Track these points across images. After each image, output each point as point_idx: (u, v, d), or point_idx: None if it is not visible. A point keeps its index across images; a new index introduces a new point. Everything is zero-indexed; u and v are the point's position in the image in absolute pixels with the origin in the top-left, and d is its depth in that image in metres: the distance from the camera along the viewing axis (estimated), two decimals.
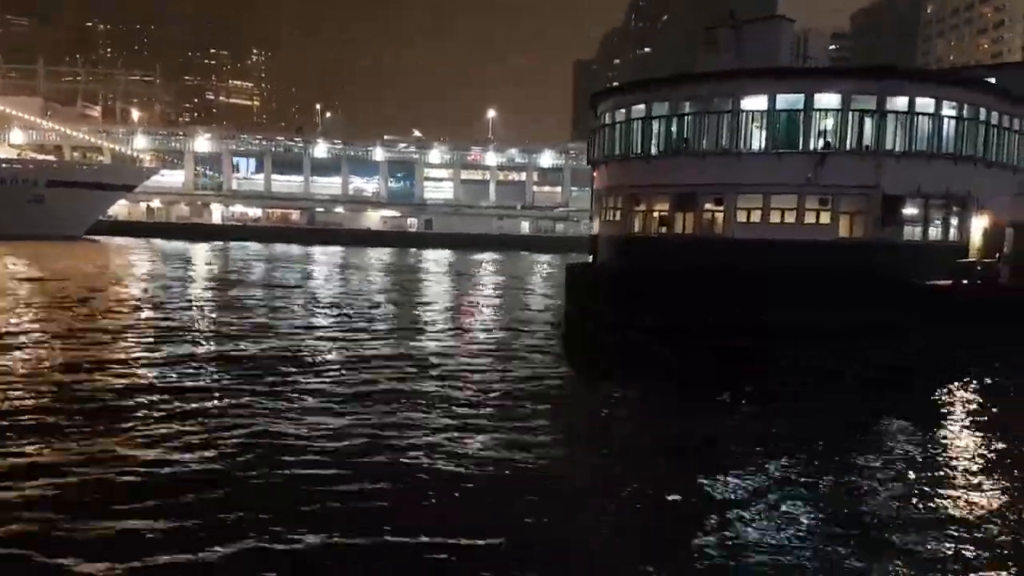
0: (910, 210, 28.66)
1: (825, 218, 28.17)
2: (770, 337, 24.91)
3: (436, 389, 20.85)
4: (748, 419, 19.39)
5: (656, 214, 30.38)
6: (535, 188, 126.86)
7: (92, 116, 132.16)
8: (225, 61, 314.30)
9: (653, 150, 30.24)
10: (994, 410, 21.05)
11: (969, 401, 22.30)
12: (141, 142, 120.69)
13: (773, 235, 28.15)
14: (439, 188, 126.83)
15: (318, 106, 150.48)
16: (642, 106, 30.72)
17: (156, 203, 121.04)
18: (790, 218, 28.25)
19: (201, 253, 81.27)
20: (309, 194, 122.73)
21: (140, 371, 21.87)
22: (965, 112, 29.09)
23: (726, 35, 34.25)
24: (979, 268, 28.97)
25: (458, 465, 14.71)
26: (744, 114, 28.27)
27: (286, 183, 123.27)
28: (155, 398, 18.95)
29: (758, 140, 28.25)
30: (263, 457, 14.86)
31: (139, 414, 17.48)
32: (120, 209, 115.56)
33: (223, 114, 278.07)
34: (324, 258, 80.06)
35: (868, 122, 27.90)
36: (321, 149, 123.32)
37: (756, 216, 28.53)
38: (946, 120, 28.57)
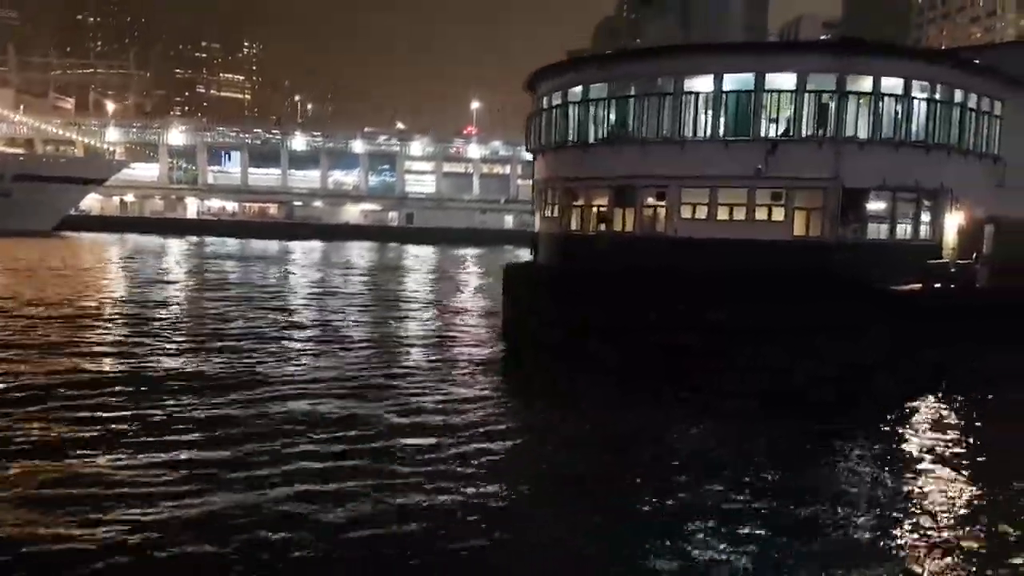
0: (875, 205, 25.52)
1: (778, 214, 25.04)
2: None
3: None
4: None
5: (595, 210, 27.26)
6: (519, 181, 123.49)
7: (65, 108, 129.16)
8: (216, 54, 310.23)
9: (590, 138, 27.10)
10: (944, 433, 18.08)
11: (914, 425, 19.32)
12: (114, 135, 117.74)
13: (720, 233, 25.05)
14: (421, 181, 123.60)
15: (297, 97, 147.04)
16: (579, 88, 27.57)
17: (130, 197, 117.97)
18: (740, 214, 25.14)
19: (175, 250, 78.15)
20: (287, 188, 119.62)
21: None
22: (939, 94, 25.89)
23: None
24: (953, 270, 25.84)
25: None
26: (687, 96, 25.11)
27: (264, 176, 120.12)
28: None
29: (703, 126, 25.10)
30: None
31: None
32: (93, 203, 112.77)
33: (214, 107, 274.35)
34: (302, 256, 77.01)
35: (827, 105, 24.77)
36: (299, 141, 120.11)
37: (702, 212, 25.41)
38: (916, 103, 25.38)
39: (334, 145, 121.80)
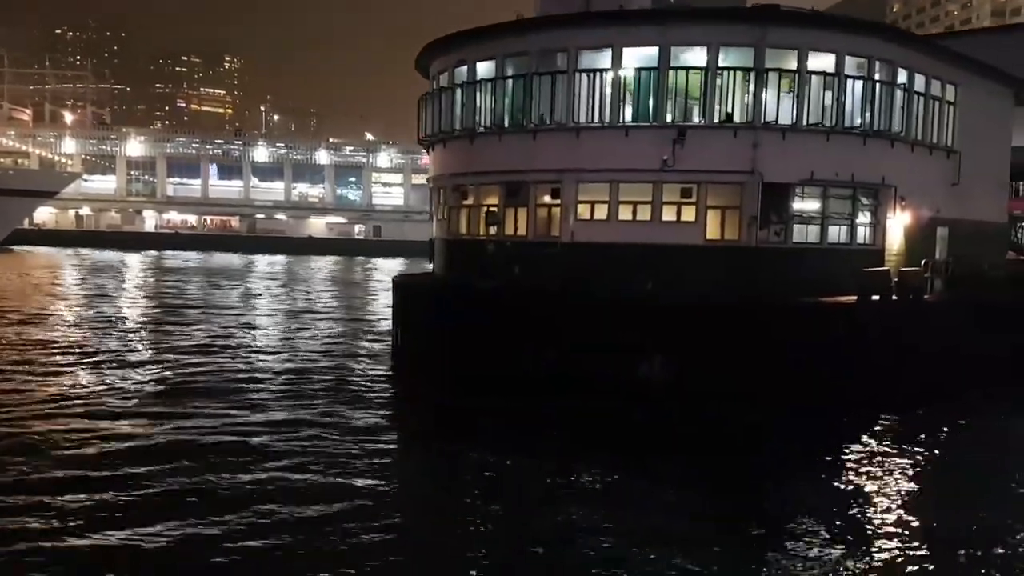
0: (802, 204, 21.82)
1: (689, 214, 21.33)
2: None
3: None
4: None
5: (484, 210, 23.48)
6: None
7: (22, 120, 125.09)
8: (197, 68, 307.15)
9: (478, 126, 23.36)
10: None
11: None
12: (71, 146, 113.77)
13: (623, 237, 21.31)
14: (388, 193, 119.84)
15: (263, 108, 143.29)
16: (464, 68, 23.88)
17: (85, 210, 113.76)
18: (645, 214, 21.40)
19: (133, 265, 73.78)
20: (249, 200, 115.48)
21: None
22: (879, 73, 22.29)
23: None
24: (898, 279, 22.08)
25: None
26: (581, 76, 21.42)
27: (226, 188, 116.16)
28: None
29: (600, 110, 21.40)
30: None
31: None
32: (47, 217, 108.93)
33: (193, 122, 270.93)
34: (265, 268, 72.81)
35: (743, 85, 21.13)
36: (262, 152, 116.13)
37: (602, 212, 21.66)
38: (851, 83, 21.77)
39: (299, 156, 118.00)
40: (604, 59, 21.30)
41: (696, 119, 21.31)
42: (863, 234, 22.87)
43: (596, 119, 21.34)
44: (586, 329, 19.79)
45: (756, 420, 18.19)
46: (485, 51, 22.97)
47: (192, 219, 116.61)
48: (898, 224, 23.41)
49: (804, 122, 21.24)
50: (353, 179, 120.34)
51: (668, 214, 21.32)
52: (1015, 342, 22.87)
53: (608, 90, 21.22)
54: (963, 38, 34.93)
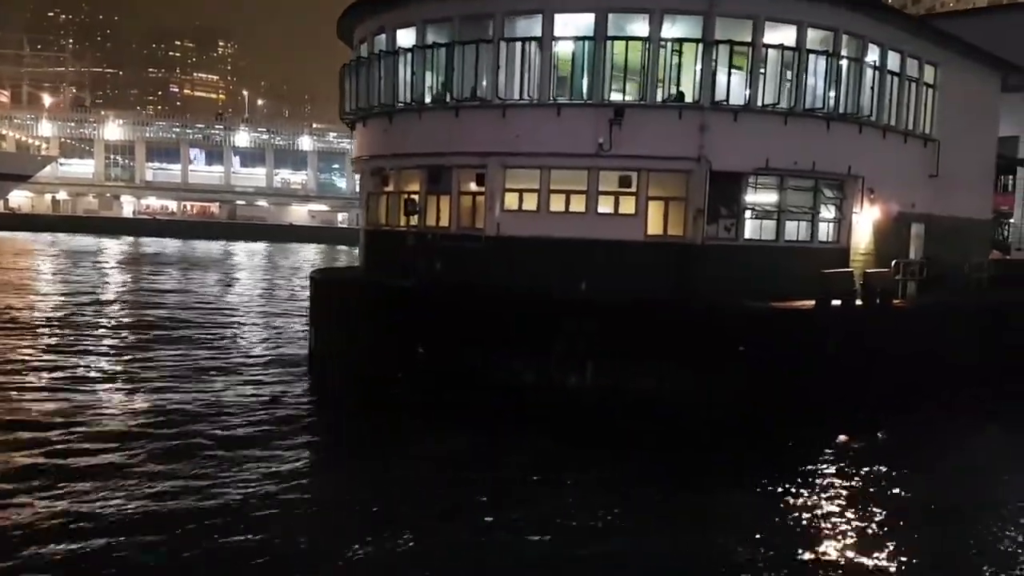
0: (756, 196, 19.43)
1: (628, 206, 18.92)
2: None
3: None
4: None
5: (404, 198, 21.04)
6: None
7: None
8: (191, 53, 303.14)
9: (398, 103, 20.89)
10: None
11: None
12: (47, 129, 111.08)
13: (554, 231, 18.90)
14: None
15: (245, 92, 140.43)
16: (383, 36, 21.39)
17: (62, 194, 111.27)
18: (579, 205, 19.00)
19: (111, 252, 71.12)
20: (229, 186, 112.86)
21: None
22: (846, 49, 19.86)
23: None
24: (863, 282, 19.71)
25: None
26: (509, 45, 18.94)
27: (207, 174, 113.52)
28: None
29: (530, 86, 18.96)
30: None
31: None
32: (23, 201, 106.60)
33: (187, 107, 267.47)
34: (245, 259, 70.36)
35: (689, 58, 18.70)
36: (243, 137, 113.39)
37: (532, 202, 19.25)
38: (815, 59, 19.35)
39: (281, 142, 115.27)
40: (534, 27, 18.82)
41: (637, 97, 18.90)
42: (826, 231, 20.47)
43: (525, 95, 18.90)
44: (504, 332, 17.46)
45: (688, 431, 15.97)
46: (405, 17, 20.46)
47: (172, 205, 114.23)
48: (866, 220, 21.02)
49: (759, 103, 18.80)
50: (337, 166, 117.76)
51: (605, 205, 18.91)
52: (990, 350, 20.59)
53: (538, 62, 18.77)
54: (952, 19, 32.42)
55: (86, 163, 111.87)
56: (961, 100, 23.73)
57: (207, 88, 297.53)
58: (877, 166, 20.72)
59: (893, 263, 20.87)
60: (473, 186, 19.72)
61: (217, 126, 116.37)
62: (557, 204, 19.10)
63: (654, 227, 18.92)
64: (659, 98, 18.58)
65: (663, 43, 18.37)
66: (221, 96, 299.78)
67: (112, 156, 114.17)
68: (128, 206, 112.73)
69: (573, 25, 18.76)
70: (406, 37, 20.60)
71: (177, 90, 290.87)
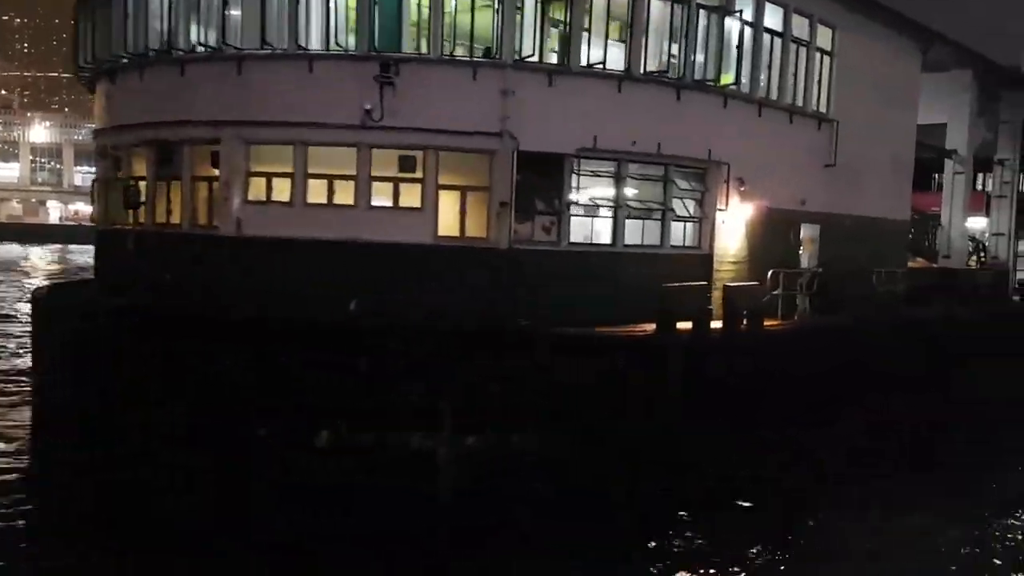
0: (584, 187, 14.74)
1: (412, 196, 14.10)
2: None
3: None
4: None
5: (124, 187, 15.93)
6: None
7: None
8: None
9: (122, 58, 15.78)
10: None
11: None
12: None
13: (315, 230, 13.95)
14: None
15: None
16: None
17: None
18: (347, 195, 14.13)
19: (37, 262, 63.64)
20: None
21: None
22: None
23: None
24: (724, 299, 15.13)
25: None
26: None
27: None
28: None
29: (275, 30, 14.02)
30: None
31: None
32: None
33: None
34: None
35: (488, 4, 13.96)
36: None
37: (284, 190, 14.31)
38: (660, 7, 14.69)
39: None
40: None
41: (415, 49, 14.11)
42: (682, 232, 15.90)
43: (267, 43, 13.94)
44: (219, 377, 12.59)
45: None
46: None
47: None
48: (737, 219, 16.47)
49: (582, 62, 14.15)
50: None
51: (381, 196, 14.04)
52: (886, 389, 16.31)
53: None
54: None
55: (11, 167, 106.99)
56: (868, 73, 19.32)
57: None
58: (750, 151, 16.14)
59: (770, 274, 16.36)
60: (205, 168, 14.74)
61: None
62: (318, 193, 14.16)
63: (447, 226, 14.11)
64: (445, 51, 13.79)
65: None
66: None
67: (38, 160, 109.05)
68: (55, 211, 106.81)
69: None
70: None
71: None
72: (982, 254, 30.25)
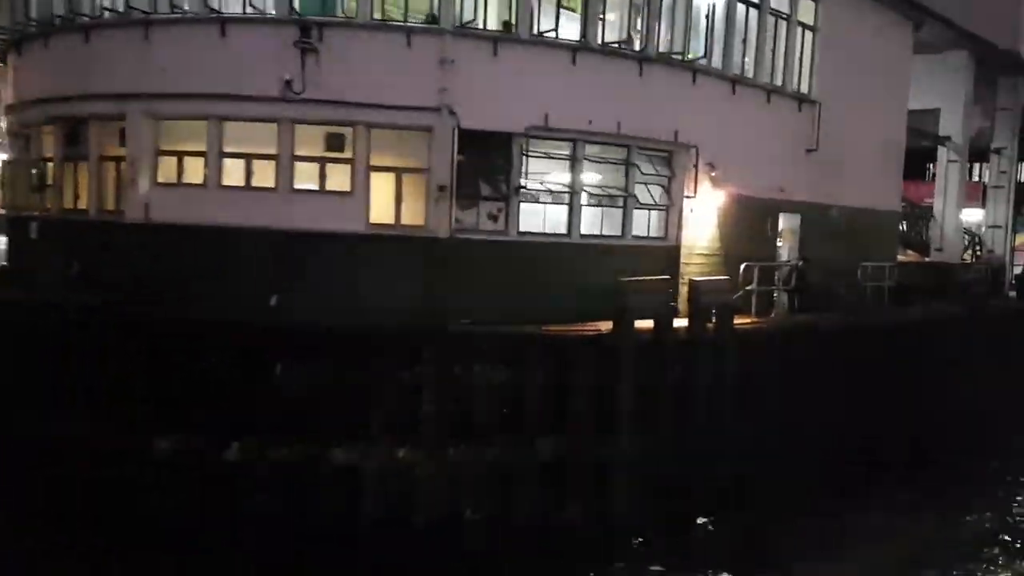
0: (536, 170, 13.24)
1: (340, 179, 12.61)
2: None
3: None
4: None
5: (35, 169, 14.42)
6: None
7: None
8: None
9: (29, 24, 14.21)
10: None
11: None
12: None
13: (231, 216, 12.46)
14: None
15: None
16: None
17: None
18: (267, 177, 12.65)
19: None
20: None
21: None
22: None
23: None
24: (689, 295, 13.69)
25: None
26: None
27: None
28: None
29: None
30: None
31: None
32: None
33: None
34: None
35: None
36: None
37: (197, 171, 12.81)
38: None
39: None
40: None
41: (342, 12, 12.62)
42: (647, 222, 14.44)
43: (175, 5, 12.44)
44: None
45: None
46: None
47: None
48: (708, 207, 15.01)
49: (532, 29, 12.68)
50: None
51: (305, 178, 12.57)
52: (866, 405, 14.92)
53: None
54: None
55: None
56: (854, 51, 17.82)
57: None
58: (722, 133, 14.68)
59: (743, 267, 14.91)
60: (117, 147, 13.24)
61: None
62: (235, 175, 12.70)
63: (381, 212, 12.63)
64: (373, 15, 12.30)
65: None
66: None
67: None
68: None
69: None
70: None
71: None
72: (978, 248, 28.88)
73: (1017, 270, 28.54)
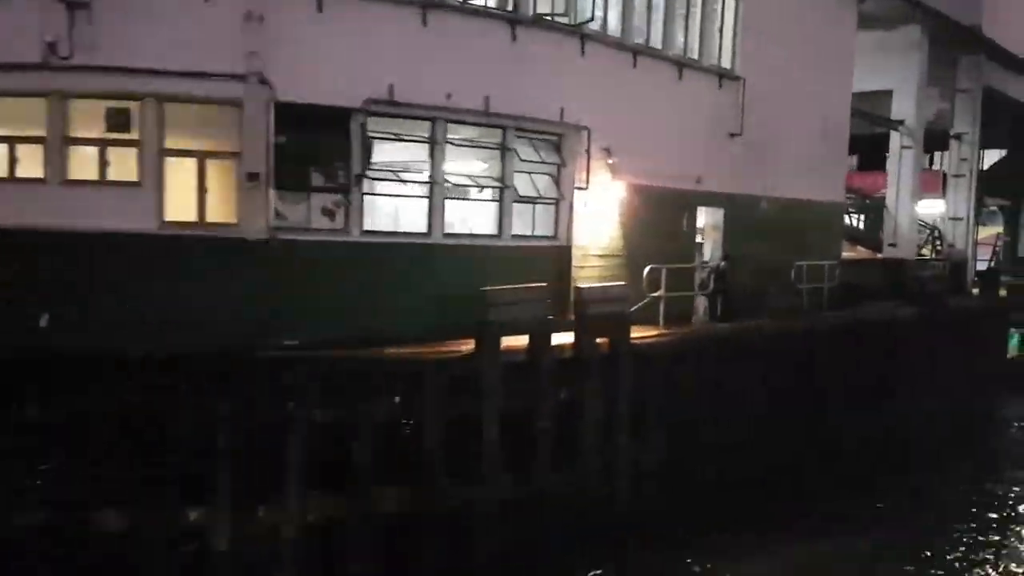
0: (384, 155, 10.84)
1: (126, 166, 10.05)
2: None
3: None
4: None
5: None
6: None
7: None
8: None
9: None
10: None
11: None
12: None
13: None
14: None
15: None
16: None
17: None
18: (35, 165, 10.09)
19: None
20: None
21: None
22: None
23: None
24: (575, 305, 11.38)
25: None
26: None
27: None
28: None
29: None
30: None
31: None
32: None
33: None
34: None
35: None
36: None
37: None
38: None
39: None
40: None
41: None
42: (531, 219, 12.07)
43: None
44: None
45: None
46: None
47: None
48: (605, 201, 12.66)
49: None
50: None
51: (83, 167, 10.03)
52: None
53: None
54: None
55: None
56: (787, 21, 15.54)
57: None
58: (621, 113, 12.34)
59: (647, 271, 12.59)
60: None
61: None
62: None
63: (179, 207, 10.09)
64: None
65: None
66: None
67: None
68: None
69: None
70: None
71: None
72: (937, 242, 26.85)
73: (981, 265, 26.65)
